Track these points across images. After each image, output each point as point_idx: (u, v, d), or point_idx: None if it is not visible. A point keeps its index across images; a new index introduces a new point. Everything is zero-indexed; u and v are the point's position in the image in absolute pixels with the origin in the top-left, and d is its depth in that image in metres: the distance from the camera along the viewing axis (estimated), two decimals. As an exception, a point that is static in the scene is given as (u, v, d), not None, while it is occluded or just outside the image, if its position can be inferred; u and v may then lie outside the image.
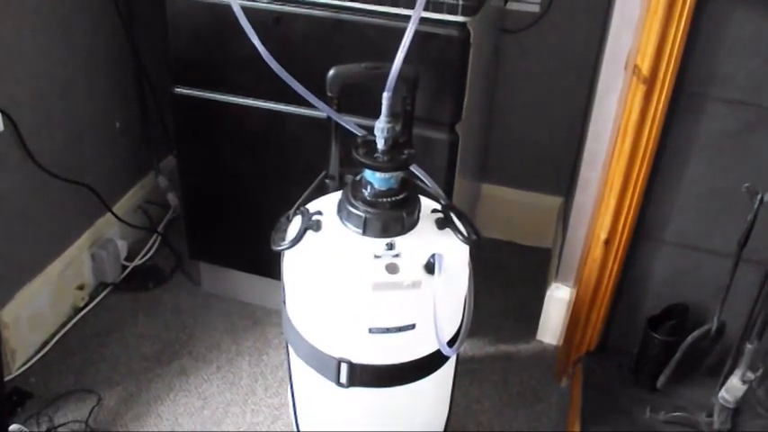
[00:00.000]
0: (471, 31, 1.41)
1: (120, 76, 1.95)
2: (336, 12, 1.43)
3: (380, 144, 1.17)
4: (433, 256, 1.13)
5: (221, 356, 1.78)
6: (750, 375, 1.37)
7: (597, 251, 1.52)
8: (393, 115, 1.16)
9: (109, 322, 1.86)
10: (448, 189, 1.52)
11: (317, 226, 1.20)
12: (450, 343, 1.22)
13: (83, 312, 1.87)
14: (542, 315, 1.85)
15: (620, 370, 1.59)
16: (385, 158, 1.17)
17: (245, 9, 1.21)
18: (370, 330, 1.14)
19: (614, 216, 1.48)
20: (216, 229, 1.79)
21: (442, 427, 1.45)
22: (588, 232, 1.64)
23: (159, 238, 2.08)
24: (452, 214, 1.23)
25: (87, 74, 1.83)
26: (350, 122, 1.25)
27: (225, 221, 1.76)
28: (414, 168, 1.26)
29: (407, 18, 1.14)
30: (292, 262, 1.20)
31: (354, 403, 1.26)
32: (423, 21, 1.37)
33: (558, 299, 1.81)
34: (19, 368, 1.71)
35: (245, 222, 1.73)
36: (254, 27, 1.18)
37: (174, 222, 2.12)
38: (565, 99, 2.00)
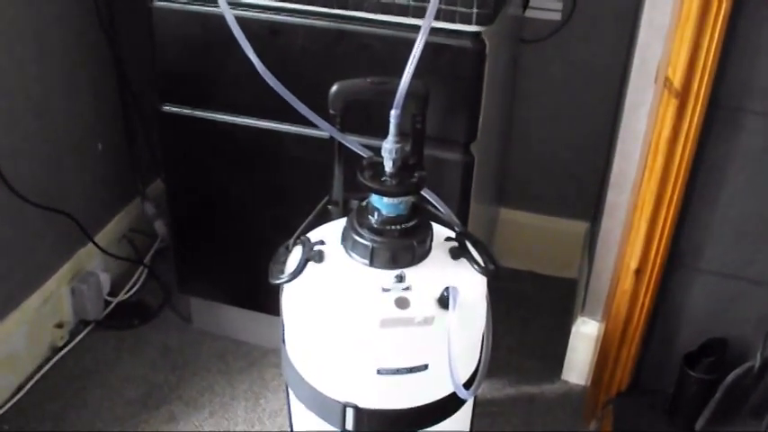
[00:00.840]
0: (487, 42, 1.41)
1: (102, 93, 1.95)
2: (339, 22, 1.44)
3: (388, 166, 1.17)
4: (446, 288, 1.13)
5: (214, 401, 1.78)
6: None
7: (627, 282, 1.52)
8: (402, 134, 1.16)
9: (90, 363, 1.85)
10: (463, 215, 1.52)
11: (319, 257, 1.19)
12: (467, 385, 1.21)
13: (62, 353, 1.87)
14: (568, 352, 1.84)
15: (654, 412, 1.58)
16: (393, 182, 1.17)
17: (239, 19, 1.22)
18: (379, 371, 1.14)
19: (645, 243, 1.48)
20: (208, 261, 1.79)
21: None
22: (617, 261, 1.64)
23: (146, 270, 2.08)
24: (468, 242, 1.23)
25: (67, 91, 1.84)
26: (354, 143, 1.25)
27: (218, 252, 1.76)
28: (425, 192, 1.26)
29: (417, 28, 1.15)
30: (292, 296, 1.19)
31: (361, 452, 1.25)
32: (434, 31, 1.38)
33: (585, 334, 1.80)
34: (-8, 415, 1.71)
35: (240, 253, 1.73)
36: (249, 39, 1.18)
37: (162, 253, 2.13)
38: (589, 114, 2.00)
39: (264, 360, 1.87)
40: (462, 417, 1.33)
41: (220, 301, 1.85)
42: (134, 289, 2.04)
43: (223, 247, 1.75)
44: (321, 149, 1.42)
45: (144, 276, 2.07)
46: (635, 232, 1.48)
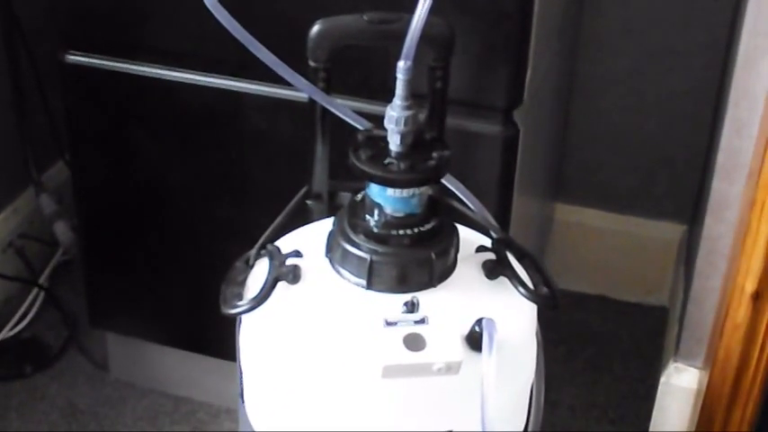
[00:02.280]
0: (537, -38, 1.42)
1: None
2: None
3: (394, 143, 1.16)
4: (479, 322, 1.12)
5: (142, 484, 1.78)
6: None
7: (742, 311, 1.52)
8: (414, 97, 1.15)
9: (-38, 429, 1.86)
10: (503, 214, 1.53)
11: (293, 275, 1.19)
12: (509, 461, 1.20)
13: None
14: (655, 414, 1.84)
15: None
16: (402, 166, 1.16)
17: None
18: (381, 442, 1.13)
19: (767, 256, 1.47)
20: (131, 281, 1.79)
21: None
22: (727, 281, 1.64)
23: (42, 294, 2.08)
24: (510, 254, 1.22)
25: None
26: (345, 109, 1.25)
27: (146, 269, 1.76)
28: (447, 181, 1.25)
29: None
30: (255, 334, 1.19)
31: None
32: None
33: (681, 388, 1.80)
34: None
35: (179, 270, 1.73)
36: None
37: (66, 269, 2.12)
38: (685, 68, 2.00)
39: (214, 425, 1.87)
40: (502, 508, 1.32)
41: (149, 340, 1.86)
42: (25, 321, 2.04)
43: (154, 261, 1.74)
44: (296, 119, 1.41)
45: (39, 303, 2.07)
46: (753, 239, 1.48)
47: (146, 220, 1.72)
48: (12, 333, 2.02)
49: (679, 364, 1.81)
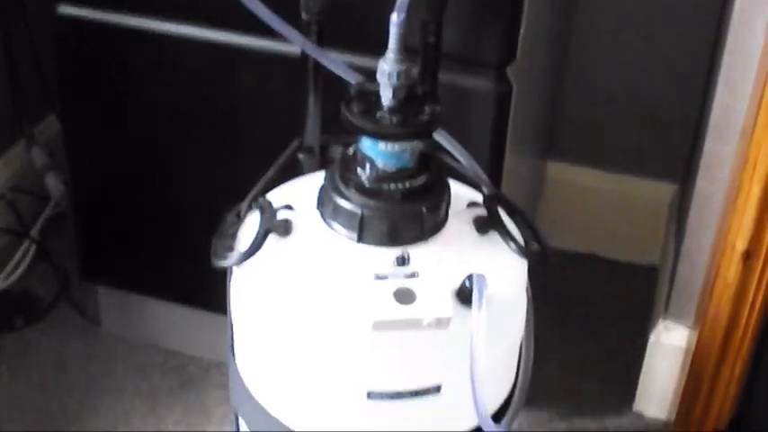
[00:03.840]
0: None
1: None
2: None
3: (386, 97, 1.16)
4: (469, 277, 1.13)
5: (132, 436, 1.78)
6: None
7: (732, 270, 1.53)
8: (407, 51, 1.15)
9: (-48, 381, 1.87)
10: (495, 169, 1.52)
11: (284, 228, 1.19)
12: (497, 416, 1.20)
13: None
14: (643, 372, 1.85)
15: (767, 460, 1.59)
16: (394, 120, 1.16)
17: None
18: (370, 395, 1.14)
19: (759, 215, 1.49)
20: (123, 234, 1.79)
21: None
22: (718, 240, 1.64)
23: (33, 247, 2.08)
24: (501, 210, 1.23)
25: None
26: (337, 62, 1.24)
27: (137, 221, 1.76)
28: (439, 136, 1.25)
29: None
30: (245, 286, 1.19)
31: None
32: None
33: (670, 347, 1.81)
34: None
35: (170, 223, 1.73)
36: None
37: (57, 222, 2.12)
38: (680, 26, 2.00)
39: (204, 378, 1.88)
40: (490, 463, 1.33)
41: (140, 294, 1.86)
42: (16, 274, 2.04)
43: (144, 213, 1.75)
44: (288, 72, 1.41)
45: (30, 256, 2.07)
46: (744, 199, 1.48)
47: (137, 173, 1.72)
48: (2, 286, 2.01)
49: (668, 323, 1.81)
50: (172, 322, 1.89)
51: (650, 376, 1.84)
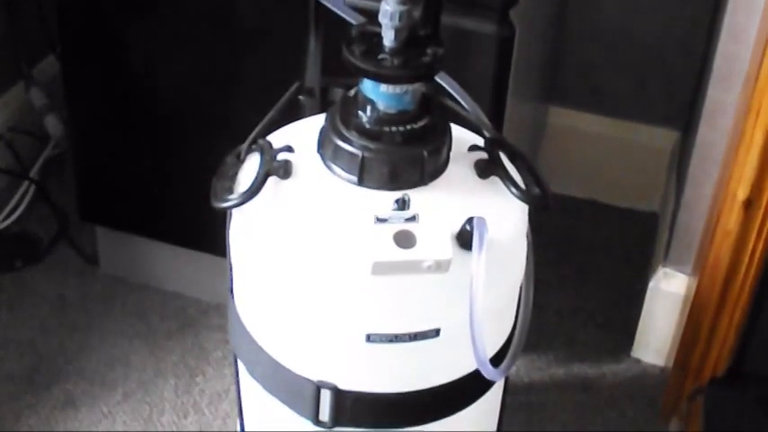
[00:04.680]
0: None
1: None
2: None
3: (388, 39, 1.15)
4: (470, 220, 1.13)
5: (131, 377, 1.79)
6: None
7: (733, 218, 1.52)
8: (409, -8, 1.15)
9: (-49, 320, 1.87)
10: (496, 113, 1.52)
11: (284, 170, 1.19)
12: (496, 361, 1.21)
13: None
14: (642, 318, 1.86)
15: (763, 408, 1.59)
16: (395, 62, 1.15)
17: None
18: (369, 338, 1.14)
19: (761, 163, 1.48)
20: (122, 175, 1.79)
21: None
22: (719, 188, 1.64)
23: (32, 187, 2.08)
24: (503, 154, 1.22)
25: None
26: (339, 3, 1.24)
27: (136, 162, 1.76)
28: (441, 79, 1.25)
29: None
30: (245, 227, 1.19)
31: (341, 453, 1.26)
32: None
33: (668, 293, 1.81)
34: None
35: (169, 163, 1.73)
36: None
37: (56, 163, 2.12)
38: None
39: (204, 320, 1.89)
40: (487, 408, 1.33)
41: (139, 234, 1.86)
42: (15, 215, 2.04)
43: (145, 155, 1.74)
44: (289, 13, 1.40)
45: (30, 197, 2.07)
46: (747, 146, 1.48)
47: (137, 114, 1.71)
48: (2, 227, 2.01)
49: (668, 270, 1.81)
50: (171, 264, 1.89)
51: (649, 323, 1.84)
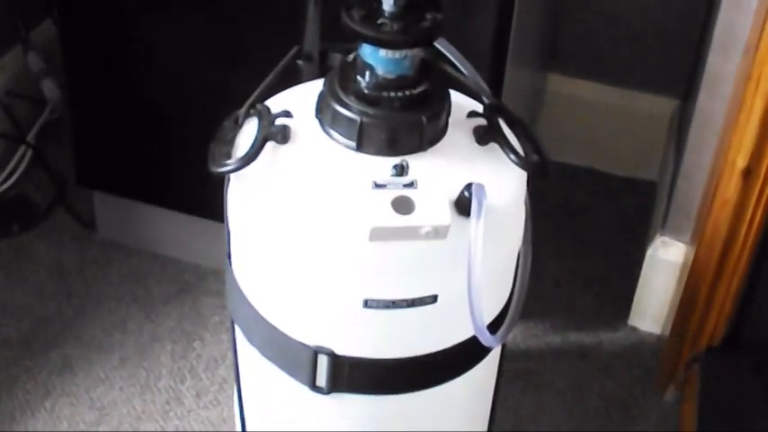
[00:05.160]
0: None
1: None
2: None
3: (388, 3, 1.15)
4: (468, 186, 1.13)
5: (128, 342, 1.80)
6: None
7: (732, 187, 1.52)
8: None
9: (-53, 286, 1.87)
10: (495, 81, 1.52)
11: (282, 135, 1.19)
12: (493, 327, 1.21)
13: None
14: (639, 287, 1.86)
15: (759, 377, 1.60)
16: (394, 26, 1.15)
17: None
18: (366, 304, 1.14)
19: (760, 132, 1.47)
20: (120, 140, 1.79)
21: (476, 459, 1.46)
22: (718, 157, 1.64)
23: (29, 152, 2.07)
24: (502, 120, 1.22)
25: None
26: (339, -32, 1.23)
27: (134, 127, 1.76)
28: (440, 44, 1.24)
29: None
30: (243, 192, 1.19)
31: (338, 419, 1.27)
32: None
33: (666, 262, 1.81)
34: None
35: (167, 128, 1.73)
36: None
37: (54, 128, 2.11)
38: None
39: (201, 286, 1.89)
40: (484, 374, 1.34)
41: (137, 199, 1.86)
42: (12, 179, 2.04)
43: (142, 120, 1.74)
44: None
45: (27, 161, 2.06)
46: (746, 115, 1.47)
47: (134, 79, 1.71)
48: (-1, 191, 2.02)
49: (666, 239, 1.81)
50: (168, 229, 1.89)
51: (646, 291, 1.85)
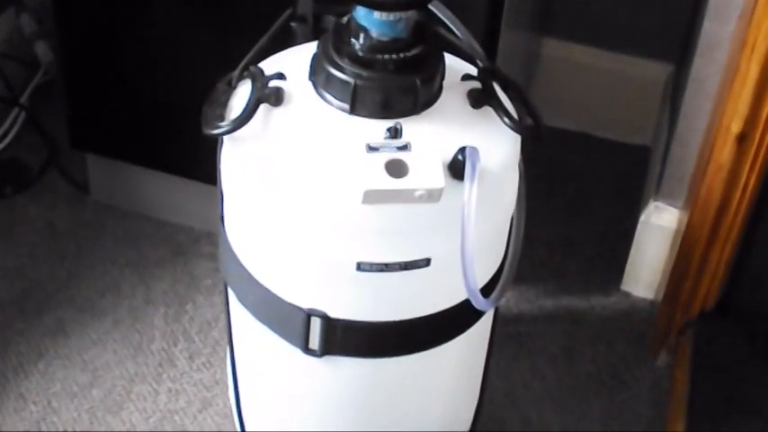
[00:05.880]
0: None
1: None
2: None
3: (382, -35, 1.15)
4: (462, 150, 1.13)
5: (121, 305, 1.80)
6: None
7: (726, 152, 1.52)
8: None
9: (-60, 248, 1.87)
10: (490, 45, 1.51)
11: (276, 97, 1.19)
12: (486, 291, 1.21)
13: None
14: (632, 252, 1.86)
15: (752, 343, 1.60)
16: (389, -12, 1.15)
17: None
18: (359, 267, 1.15)
19: (756, 96, 1.47)
20: (113, 102, 1.79)
21: (466, 424, 1.46)
22: (712, 122, 1.63)
23: (22, 114, 2.07)
24: (496, 84, 1.22)
25: None
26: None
27: (128, 89, 1.76)
28: (434, 7, 1.24)
29: None
30: (235, 155, 1.19)
31: (330, 382, 1.27)
32: None
33: (659, 227, 1.81)
34: None
35: (160, 90, 1.73)
36: None
37: (47, 90, 2.11)
38: None
39: (194, 248, 1.89)
40: (476, 338, 1.34)
41: (130, 162, 1.85)
42: (5, 142, 2.03)
43: (135, 82, 1.74)
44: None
45: (19, 124, 2.06)
46: (741, 80, 1.47)
47: (127, 40, 1.70)
48: (-8, 153, 2.01)
49: (659, 204, 1.81)
50: (162, 192, 1.89)
51: (639, 256, 1.85)
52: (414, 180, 1.11)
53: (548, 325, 1.81)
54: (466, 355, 1.34)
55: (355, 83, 1.15)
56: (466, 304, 1.18)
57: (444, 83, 1.21)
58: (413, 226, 1.14)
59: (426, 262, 1.15)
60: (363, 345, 1.21)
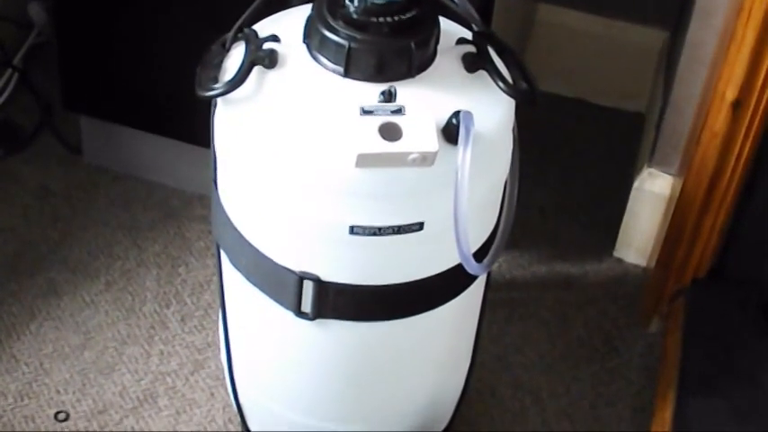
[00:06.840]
0: None
1: None
2: None
3: (378, -73, 1.14)
4: (456, 114, 1.12)
5: (113, 267, 1.80)
6: None
7: (720, 119, 1.52)
8: None
9: (-67, 209, 1.87)
10: (485, 8, 1.50)
11: (270, 59, 1.18)
12: (479, 256, 1.21)
13: None
14: (625, 218, 1.86)
15: (744, 309, 1.60)
16: (385, -49, 1.15)
17: None
18: (352, 230, 1.15)
19: (751, 63, 1.47)
20: (107, 64, 1.78)
21: (458, 388, 1.46)
22: (707, 88, 1.63)
23: (15, 75, 2.06)
24: (490, 48, 1.22)
25: None
26: None
27: (122, 51, 1.75)
28: (430, -30, 1.23)
29: None
30: (229, 117, 1.19)
31: (322, 345, 1.28)
32: None
33: (653, 193, 1.81)
34: None
35: (154, 52, 1.72)
36: None
37: (40, 51, 2.10)
38: None
39: (187, 211, 1.89)
40: (469, 302, 1.35)
41: (124, 124, 1.85)
42: (-2, 103, 2.03)
43: (130, 44, 1.73)
44: None
45: (13, 85, 2.05)
46: (737, 47, 1.46)
47: (121, 2, 1.69)
48: (-15, 115, 2.01)
49: (653, 170, 1.81)
50: (154, 154, 1.89)
51: (632, 223, 1.85)
52: (407, 143, 1.10)
53: (540, 290, 1.81)
54: (458, 319, 1.35)
55: (349, 45, 1.15)
56: (458, 269, 1.19)
57: (439, 47, 1.20)
58: (406, 190, 1.14)
59: (419, 226, 1.15)
60: (356, 308, 1.22)
